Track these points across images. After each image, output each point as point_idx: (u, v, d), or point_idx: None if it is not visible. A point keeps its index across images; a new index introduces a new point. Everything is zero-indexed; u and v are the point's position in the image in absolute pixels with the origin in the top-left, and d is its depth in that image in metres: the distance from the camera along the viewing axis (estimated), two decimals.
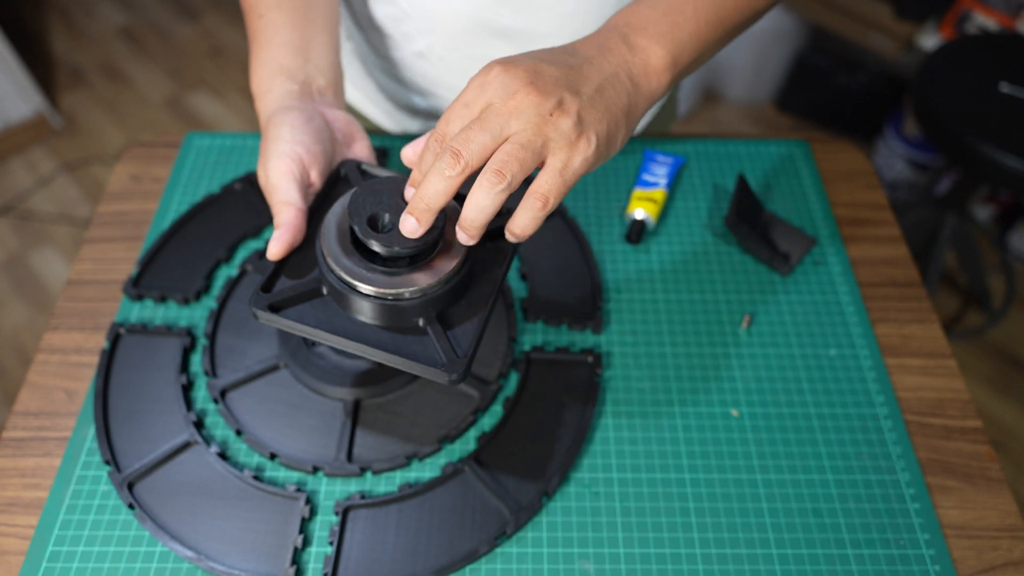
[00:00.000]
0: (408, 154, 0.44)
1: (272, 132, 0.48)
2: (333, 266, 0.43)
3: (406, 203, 0.43)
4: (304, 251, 0.47)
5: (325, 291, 0.45)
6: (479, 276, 0.46)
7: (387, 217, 0.43)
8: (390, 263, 0.44)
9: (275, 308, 0.44)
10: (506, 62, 0.41)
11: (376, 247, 0.42)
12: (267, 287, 0.45)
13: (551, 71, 0.41)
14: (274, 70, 0.52)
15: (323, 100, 0.53)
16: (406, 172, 0.47)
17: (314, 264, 0.46)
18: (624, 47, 0.45)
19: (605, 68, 0.43)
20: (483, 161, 0.39)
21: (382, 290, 0.42)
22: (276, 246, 0.45)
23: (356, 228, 0.42)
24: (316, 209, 0.49)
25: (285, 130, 0.48)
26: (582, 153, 0.40)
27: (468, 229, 0.41)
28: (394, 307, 0.43)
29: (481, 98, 0.40)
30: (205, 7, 2.42)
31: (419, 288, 0.43)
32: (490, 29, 0.65)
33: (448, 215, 0.44)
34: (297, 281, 0.45)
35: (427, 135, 0.42)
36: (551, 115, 0.39)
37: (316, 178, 0.49)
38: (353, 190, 0.44)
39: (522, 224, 0.41)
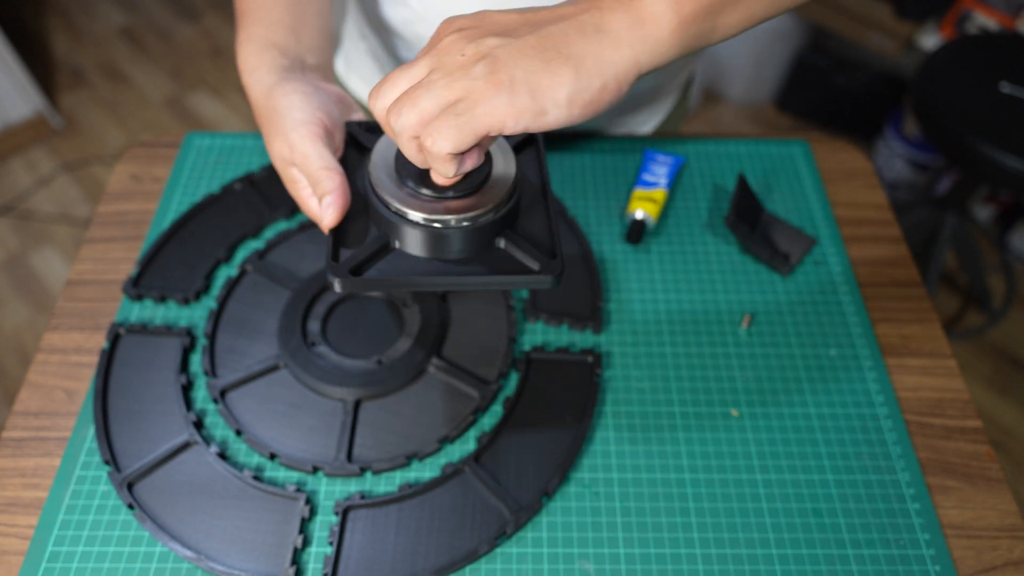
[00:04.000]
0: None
1: (281, 102, 0.46)
2: (401, 208, 0.42)
3: None
4: (349, 220, 0.46)
5: (396, 244, 0.43)
6: (523, 186, 0.46)
7: None
8: (458, 193, 0.43)
9: (355, 272, 0.42)
10: (463, 16, 0.39)
11: (456, 197, 0.42)
12: (335, 256, 0.43)
13: (494, 16, 0.39)
14: (265, 45, 0.51)
15: (313, 77, 0.51)
16: None
17: (363, 229, 0.45)
18: (617, 4, 0.39)
19: (564, 14, 0.38)
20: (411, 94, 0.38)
21: (461, 218, 0.42)
22: (331, 212, 0.43)
23: (424, 191, 0.42)
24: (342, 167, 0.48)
25: (297, 98, 0.46)
26: (488, 97, 0.36)
27: (439, 176, 0.41)
28: (478, 230, 0.42)
29: (430, 46, 0.39)
30: (205, 7, 2.42)
31: (493, 206, 0.42)
32: None
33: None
34: (358, 247, 0.44)
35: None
36: (463, 56, 0.37)
37: (339, 144, 0.47)
38: (391, 148, 0.44)
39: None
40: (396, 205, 0.42)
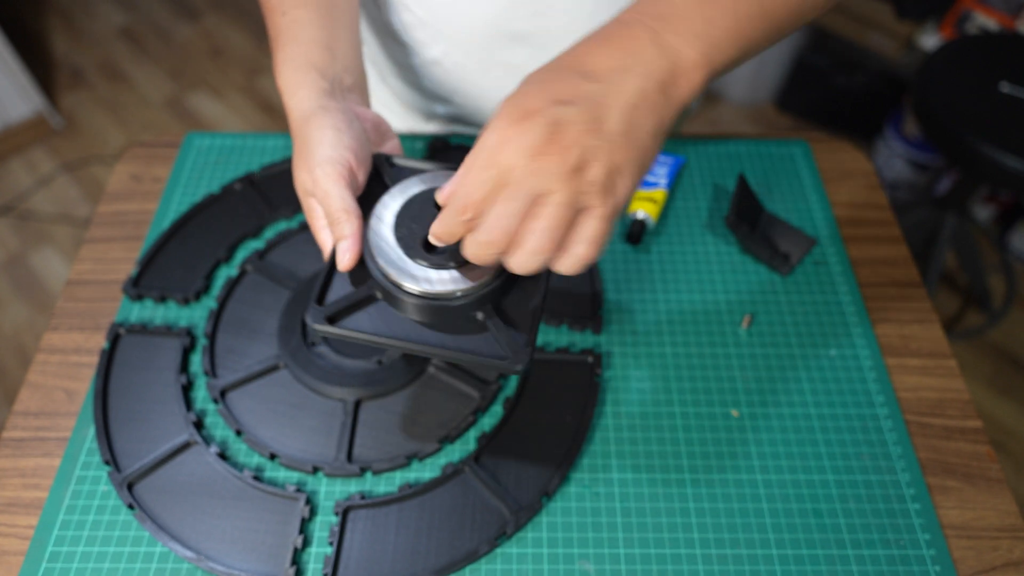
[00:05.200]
0: (441, 199, 0.42)
1: (315, 134, 0.46)
2: (388, 272, 0.43)
3: None
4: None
5: (379, 296, 0.45)
6: None
7: None
8: (446, 265, 0.43)
9: (332, 319, 0.44)
10: (520, 115, 0.37)
11: (446, 270, 0.42)
12: (320, 298, 0.45)
13: (571, 116, 0.36)
14: (304, 65, 0.50)
15: (351, 99, 0.52)
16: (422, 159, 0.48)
17: (363, 270, 0.46)
18: (652, 48, 0.39)
19: (630, 89, 0.38)
20: (514, 231, 0.38)
21: (441, 291, 0.42)
22: (348, 257, 0.44)
23: (418, 261, 0.43)
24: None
25: (330, 133, 0.46)
26: (620, 194, 0.38)
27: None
28: (454, 307, 0.43)
29: (501, 160, 0.37)
30: (205, 7, 2.42)
31: (477, 285, 0.43)
32: (506, 34, 0.65)
33: None
34: (350, 290, 0.45)
35: (454, 180, 0.39)
36: (579, 170, 0.36)
37: (362, 182, 0.48)
38: (393, 201, 0.45)
39: (574, 270, 0.40)
40: (382, 265, 0.43)
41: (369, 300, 0.45)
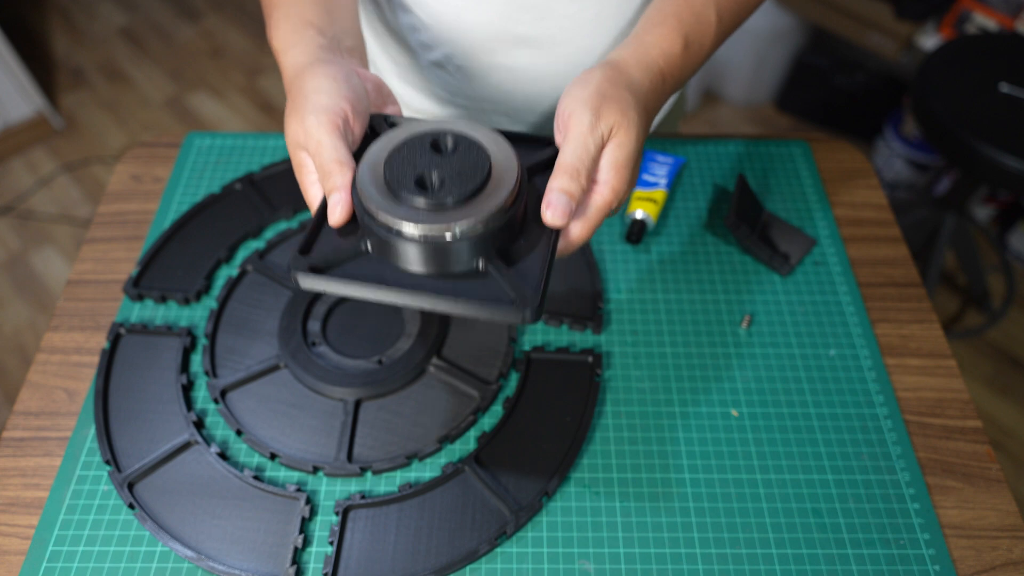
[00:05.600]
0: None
1: (310, 83, 0.44)
2: (377, 213, 0.39)
3: (441, 154, 0.42)
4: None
5: (369, 245, 0.41)
6: (533, 211, 0.43)
7: (435, 176, 0.40)
8: (443, 203, 0.39)
9: (317, 270, 0.40)
10: (626, 141, 0.44)
11: (441, 210, 0.39)
12: (305, 249, 0.40)
13: (643, 136, 0.46)
14: (301, 23, 0.49)
15: (351, 61, 0.49)
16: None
17: (354, 225, 0.42)
18: (661, 88, 0.49)
19: (652, 104, 0.48)
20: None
21: (434, 229, 0.38)
22: (340, 211, 0.41)
23: (408, 199, 0.39)
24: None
25: (325, 83, 0.44)
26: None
27: (572, 247, 0.44)
28: (450, 247, 0.39)
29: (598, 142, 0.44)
30: (206, 8, 2.42)
31: (474, 221, 0.39)
32: (510, 38, 0.65)
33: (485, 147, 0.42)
34: (339, 241, 0.41)
35: (619, 179, 0.44)
36: (630, 180, 0.45)
37: (358, 136, 0.45)
38: (385, 146, 0.42)
39: (583, 238, 0.44)
40: (371, 207, 0.40)
41: (360, 253, 0.41)
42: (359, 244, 0.41)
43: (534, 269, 0.41)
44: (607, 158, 0.43)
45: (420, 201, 0.39)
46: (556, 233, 0.42)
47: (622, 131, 0.43)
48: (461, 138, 0.42)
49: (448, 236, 0.38)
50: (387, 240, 0.39)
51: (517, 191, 0.41)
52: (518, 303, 0.38)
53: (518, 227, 0.42)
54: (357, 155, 0.44)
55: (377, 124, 0.47)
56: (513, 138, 0.45)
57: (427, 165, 0.41)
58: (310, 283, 0.40)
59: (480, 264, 0.40)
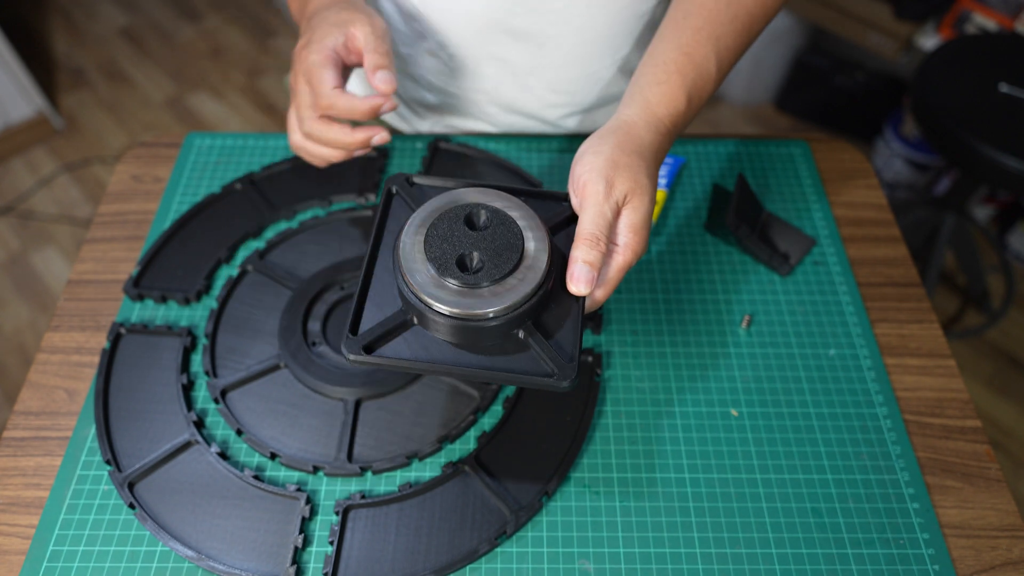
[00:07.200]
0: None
1: (322, 17, 0.56)
2: (422, 295, 0.42)
3: (476, 230, 0.44)
4: (382, 281, 0.46)
5: (415, 321, 0.44)
6: (559, 273, 0.46)
7: (475, 257, 0.43)
8: (481, 284, 0.43)
9: (368, 349, 0.43)
10: (640, 204, 0.47)
11: (482, 289, 0.42)
12: (354, 328, 0.43)
13: (653, 184, 0.49)
14: None
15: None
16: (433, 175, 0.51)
17: (393, 293, 0.45)
18: (668, 140, 0.53)
19: (660, 158, 0.51)
20: None
21: (479, 311, 0.41)
22: (386, 78, 0.54)
23: (451, 281, 0.42)
24: (379, 228, 0.48)
25: (340, 21, 0.55)
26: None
27: (596, 305, 0.47)
28: (491, 324, 0.42)
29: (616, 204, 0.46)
30: (206, 8, 2.42)
31: (516, 301, 0.42)
32: (503, 29, 0.65)
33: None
34: (384, 316, 0.44)
35: (638, 241, 0.46)
36: (646, 244, 0.48)
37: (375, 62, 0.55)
38: (421, 220, 0.44)
39: (606, 296, 0.47)
40: (421, 293, 0.42)
41: (405, 326, 0.44)
42: (404, 317, 0.44)
43: (568, 336, 0.44)
44: (624, 221, 0.46)
45: (463, 282, 0.42)
46: (583, 297, 0.45)
47: (636, 197, 0.46)
48: (493, 212, 0.45)
49: (492, 314, 0.42)
50: (432, 319, 0.42)
51: (549, 267, 0.44)
52: (559, 375, 0.42)
53: (549, 295, 0.45)
54: (389, 222, 0.49)
55: (400, 185, 0.50)
56: (530, 194, 0.49)
57: (465, 245, 0.43)
58: (362, 361, 0.43)
59: (520, 334, 0.43)
